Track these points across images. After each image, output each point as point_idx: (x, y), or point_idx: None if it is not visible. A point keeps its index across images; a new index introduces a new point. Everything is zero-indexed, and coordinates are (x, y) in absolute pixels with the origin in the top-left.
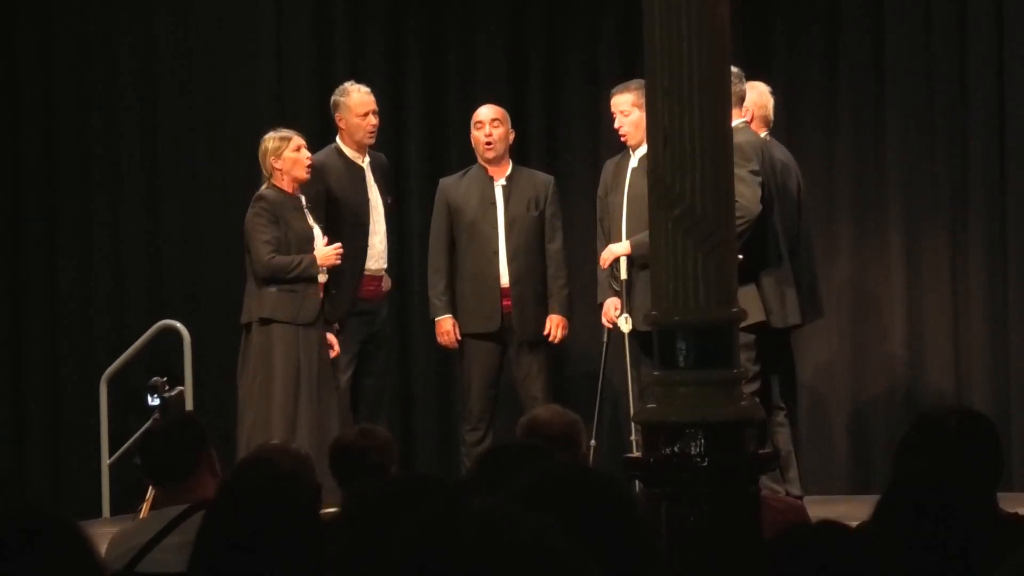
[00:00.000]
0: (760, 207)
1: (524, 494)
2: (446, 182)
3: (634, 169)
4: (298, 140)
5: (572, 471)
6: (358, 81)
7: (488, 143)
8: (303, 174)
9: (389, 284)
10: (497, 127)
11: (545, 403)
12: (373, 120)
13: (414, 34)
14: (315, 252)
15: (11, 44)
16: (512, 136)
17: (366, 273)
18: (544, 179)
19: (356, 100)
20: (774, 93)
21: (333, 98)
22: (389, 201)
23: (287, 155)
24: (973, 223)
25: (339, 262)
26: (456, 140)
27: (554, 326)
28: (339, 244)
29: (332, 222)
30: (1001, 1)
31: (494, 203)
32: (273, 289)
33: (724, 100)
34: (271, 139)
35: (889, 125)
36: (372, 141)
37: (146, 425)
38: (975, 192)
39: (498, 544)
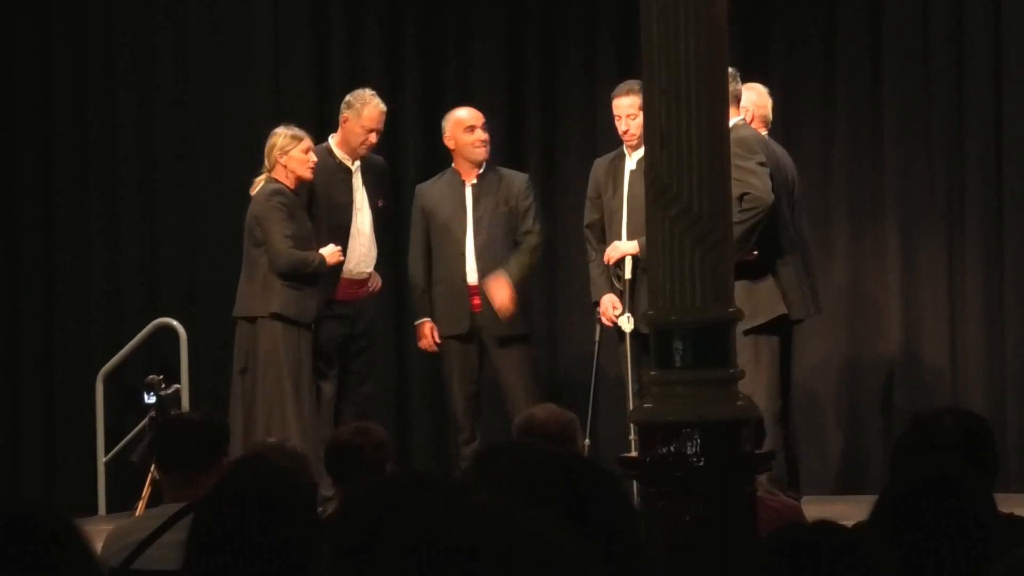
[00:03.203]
0: (772, 197)
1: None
2: (421, 187)
3: (632, 171)
4: (308, 143)
5: (562, 454)
6: (356, 80)
7: (484, 144)
8: (307, 174)
9: (378, 284)
10: (486, 128)
11: (525, 389)
12: (374, 138)
13: (411, 34)
14: (322, 251)
15: (10, 42)
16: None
17: (344, 276)
18: (516, 176)
19: (368, 115)
20: (771, 95)
21: (348, 97)
22: (380, 204)
23: (294, 154)
24: (969, 224)
25: (342, 259)
26: None
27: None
28: (339, 248)
29: (312, 222)
30: (999, 4)
31: (464, 206)
32: (280, 284)
33: (721, 99)
34: (283, 135)
35: (886, 126)
36: (365, 154)
37: (143, 422)
38: (972, 193)
39: (497, 541)
